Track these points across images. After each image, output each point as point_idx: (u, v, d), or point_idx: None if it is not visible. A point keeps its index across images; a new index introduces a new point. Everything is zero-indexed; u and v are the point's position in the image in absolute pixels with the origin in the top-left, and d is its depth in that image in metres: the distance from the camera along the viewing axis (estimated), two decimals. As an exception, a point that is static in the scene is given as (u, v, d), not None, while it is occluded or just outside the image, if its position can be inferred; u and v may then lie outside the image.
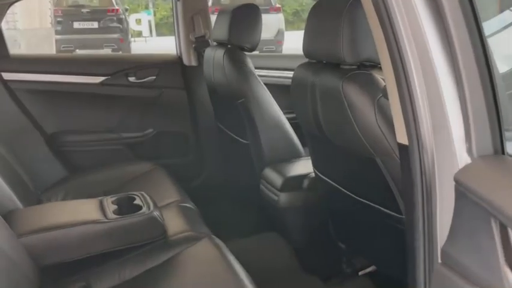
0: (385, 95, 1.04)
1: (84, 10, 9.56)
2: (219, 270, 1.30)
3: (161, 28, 14.14)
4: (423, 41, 0.80)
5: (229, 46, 1.88)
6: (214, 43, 2.13)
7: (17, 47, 7.77)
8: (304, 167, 1.76)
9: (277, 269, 1.72)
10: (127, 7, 12.13)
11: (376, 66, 1.14)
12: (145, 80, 2.26)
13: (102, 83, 2.18)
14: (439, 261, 0.78)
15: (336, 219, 1.60)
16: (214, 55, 1.94)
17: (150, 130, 2.30)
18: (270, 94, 1.84)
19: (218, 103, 2.10)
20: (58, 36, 9.18)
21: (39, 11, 9.21)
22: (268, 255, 1.78)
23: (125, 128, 2.26)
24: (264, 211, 1.87)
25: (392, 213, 1.19)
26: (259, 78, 1.84)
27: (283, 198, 1.68)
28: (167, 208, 1.65)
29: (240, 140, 1.96)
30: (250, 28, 1.85)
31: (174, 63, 2.33)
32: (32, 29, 8.82)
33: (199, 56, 2.27)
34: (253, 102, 1.80)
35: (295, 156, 1.85)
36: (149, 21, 13.49)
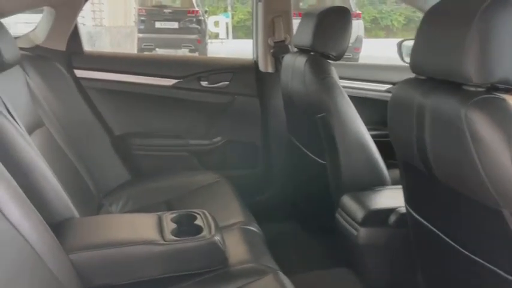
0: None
1: (166, 10, 9.86)
2: None
3: (237, 31, 14.33)
4: None
5: (312, 53, 1.67)
6: (295, 49, 1.93)
7: (102, 43, 8.17)
8: (390, 198, 1.51)
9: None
10: (206, 9, 12.40)
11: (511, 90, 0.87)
12: (218, 85, 2.12)
13: (174, 86, 2.08)
14: None
15: (427, 270, 1.33)
16: (295, 62, 1.75)
17: (219, 138, 2.17)
18: (355, 110, 1.60)
19: (293, 115, 1.90)
20: (140, 35, 9.53)
21: (124, 10, 9.65)
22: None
23: (193, 135, 2.15)
24: (338, 244, 1.64)
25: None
26: (344, 91, 1.61)
27: (363, 233, 1.43)
28: (229, 230, 1.48)
29: (315, 158, 1.74)
30: (338, 34, 1.63)
31: (249, 69, 2.17)
32: (117, 26, 9.26)
33: (277, 62, 2.09)
34: (336, 118, 1.58)
35: (379, 183, 1.60)
36: (227, 24, 13.72)
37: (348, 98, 1.61)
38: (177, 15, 9.75)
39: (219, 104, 2.14)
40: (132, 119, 2.10)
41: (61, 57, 1.95)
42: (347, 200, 1.54)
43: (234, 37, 13.62)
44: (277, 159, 2.17)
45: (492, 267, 0.98)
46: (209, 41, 11.19)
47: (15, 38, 1.72)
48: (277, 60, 2.09)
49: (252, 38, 2.22)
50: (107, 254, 1.18)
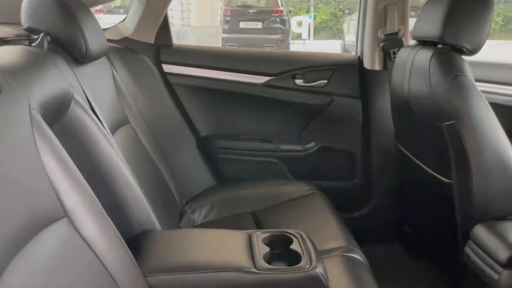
0: None
1: (251, 10, 9.87)
2: None
3: (319, 32, 14.04)
4: None
5: (439, 46, 1.36)
6: (411, 42, 1.63)
7: (188, 42, 8.35)
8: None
9: None
10: (291, 9, 12.24)
11: None
12: (314, 83, 1.88)
13: (265, 84, 1.87)
14: None
15: None
16: (414, 58, 1.45)
17: (312, 144, 1.93)
18: (496, 118, 1.27)
19: (406, 121, 1.59)
20: (224, 35, 9.62)
21: (211, 10, 9.82)
22: None
23: (284, 139, 1.93)
24: (465, 282, 1.31)
25: None
26: (481, 94, 1.28)
27: (508, 278, 1.11)
28: (329, 258, 1.24)
29: (436, 175, 1.43)
30: (475, 23, 1.31)
31: (351, 66, 1.90)
32: (203, 26, 9.43)
33: (386, 59, 1.80)
34: (469, 127, 1.26)
35: (523, 212, 1.25)
36: (309, 25, 13.47)
37: (487, 103, 1.28)
38: (261, 15, 9.70)
39: (315, 106, 1.90)
40: (219, 119, 1.93)
41: (149, 50, 1.83)
42: (482, 232, 1.22)
43: (316, 38, 13.32)
44: (380, 171, 1.88)
45: None
46: (291, 41, 11.03)
47: (104, 29, 1.62)
48: (387, 55, 1.80)
49: (357, 31, 1.94)
50: (190, 279, 0.99)
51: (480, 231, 1.22)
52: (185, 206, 1.67)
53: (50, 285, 0.71)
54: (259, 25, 9.70)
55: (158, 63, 1.84)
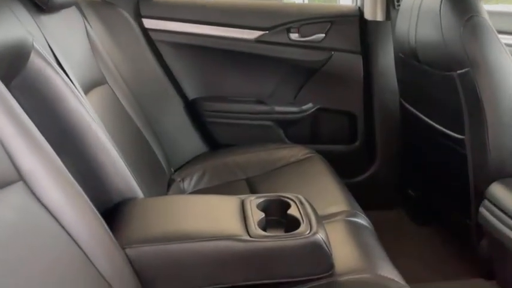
0: None
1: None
2: None
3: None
4: None
5: (451, -14, 1.21)
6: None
7: None
8: None
9: None
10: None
11: None
12: (311, 38, 1.73)
13: (257, 40, 1.72)
14: None
15: None
16: (422, 3, 1.30)
17: (309, 105, 1.79)
18: None
19: (413, 74, 1.46)
20: None
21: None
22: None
23: (279, 100, 1.80)
24: (481, 247, 1.21)
25: None
26: (499, 38, 1.15)
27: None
28: (331, 223, 1.13)
29: (446, 131, 1.31)
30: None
31: (351, 17, 1.75)
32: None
33: (389, 7, 1.66)
34: (485, 75, 1.14)
35: (545, 168, 1.14)
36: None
37: (506, 49, 1.14)
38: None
39: (312, 62, 1.75)
40: (208, 79, 1.79)
41: (128, 2, 1.67)
42: (500, 190, 1.11)
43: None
44: (383, 132, 1.76)
45: None
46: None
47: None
48: (390, 4, 1.66)
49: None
50: (175, 250, 0.88)
51: (497, 189, 1.12)
52: (174, 174, 1.56)
53: (3, 263, 0.60)
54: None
55: (138, 18, 1.68)
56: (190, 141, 1.75)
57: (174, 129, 1.71)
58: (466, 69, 1.15)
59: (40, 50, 0.95)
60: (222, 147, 1.74)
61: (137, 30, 1.67)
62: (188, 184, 1.53)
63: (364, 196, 1.38)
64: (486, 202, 1.14)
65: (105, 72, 1.33)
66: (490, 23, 1.16)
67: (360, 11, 1.75)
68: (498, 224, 1.09)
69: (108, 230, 0.82)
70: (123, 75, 1.46)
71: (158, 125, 1.58)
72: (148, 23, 1.68)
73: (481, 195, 1.17)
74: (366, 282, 0.91)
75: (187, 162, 1.64)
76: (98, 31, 1.48)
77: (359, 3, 1.77)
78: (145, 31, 1.68)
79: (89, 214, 0.79)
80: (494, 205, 1.11)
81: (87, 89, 1.19)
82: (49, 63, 0.97)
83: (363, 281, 0.92)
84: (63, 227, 0.72)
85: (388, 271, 0.96)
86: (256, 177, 1.51)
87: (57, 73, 0.98)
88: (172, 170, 1.58)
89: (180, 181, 1.53)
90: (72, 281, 0.70)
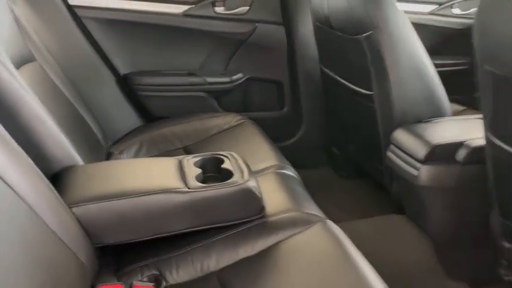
0: None
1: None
2: (340, 269, 0.90)
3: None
4: None
5: (355, -43, 1.35)
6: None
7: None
8: (455, 130, 1.25)
9: (407, 266, 1.27)
10: None
11: None
12: (235, 11, 1.82)
13: (184, 14, 1.78)
14: None
15: (509, 210, 1.09)
16: (331, -27, 1.44)
17: (239, 75, 1.89)
18: (412, 26, 1.31)
19: (329, 41, 1.60)
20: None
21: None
22: (394, 247, 1.33)
23: (209, 72, 1.87)
24: (391, 186, 1.40)
25: None
26: (397, 4, 1.31)
27: (426, 172, 1.19)
28: (263, 176, 1.25)
29: (358, 89, 1.47)
30: None
31: None
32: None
33: (306, -20, 1.78)
34: (386, 36, 1.29)
35: (438, 115, 1.34)
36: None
37: (402, 12, 1.31)
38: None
39: (238, 34, 1.85)
40: (138, 54, 1.82)
41: None
42: (402, 134, 1.29)
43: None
44: (307, 97, 1.90)
45: None
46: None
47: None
48: (306, -23, 1.78)
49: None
50: (118, 205, 0.96)
51: (400, 134, 1.29)
52: (111, 148, 1.59)
53: None
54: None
55: None
56: (126, 115, 1.79)
57: (107, 104, 1.73)
58: (370, 32, 1.30)
59: None
60: (157, 120, 1.79)
61: (62, 7, 1.65)
62: (127, 156, 1.57)
63: (295, 157, 1.52)
64: (392, 146, 1.32)
65: (33, 50, 1.33)
66: None
67: (281, -16, 1.86)
68: (402, 164, 1.27)
69: (55, 191, 0.88)
70: (52, 52, 1.46)
71: (91, 101, 1.60)
72: (73, 0, 1.68)
73: (388, 141, 1.35)
74: (292, 219, 1.05)
75: (125, 136, 1.68)
76: (22, 10, 1.46)
77: (279, -23, 1.88)
78: (70, 8, 1.67)
79: (33, 175, 0.83)
80: (398, 148, 1.29)
81: (17, 66, 1.19)
82: None
83: (290, 218, 1.05)
84: (8, 186, 0.75)
85: (311, 209, 1.10)
86: (193, 145, 1.58)
87: None
88: (110, 144, 1.61)
89: (118, 153, 1.57)
90: (25, 236, 0.74)
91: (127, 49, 1.80)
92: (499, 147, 1.00)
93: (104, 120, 1.61)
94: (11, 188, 0.75)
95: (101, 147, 1.50)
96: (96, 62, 1.73)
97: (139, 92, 1.81)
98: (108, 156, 1.53)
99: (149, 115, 1.84)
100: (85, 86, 1.61)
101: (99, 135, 1.50)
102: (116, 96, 1.78)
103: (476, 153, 1.13)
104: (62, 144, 1.08)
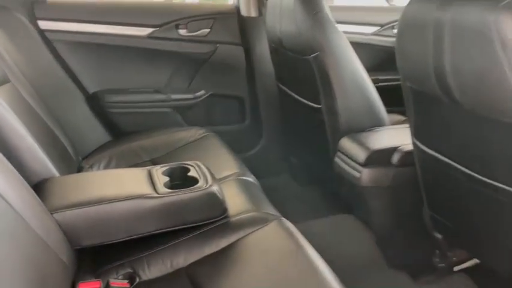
0: None
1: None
2: (293, 261, 1.03)
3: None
4: None
5: (301, -12, 1.53)
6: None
7: None
8: (391, 137, 1.44)
9: (355, 260, 1.43)
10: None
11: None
12: (197, 33, 1.96)
13: (149, 36, 1.91)
14: None
15: (435, 204, 1.28)
16: (282, 1, 1.61)
17: (202, 92, 2.03)
18: (352, 48, 1.50)
19: (283, 60, 1.78)
20: None
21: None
22: (343, 243, 1.49)
23: (174, 89, 2.00)
24: (339, 188, 1.57)
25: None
26: (338, 28, 1.49)
27: (367, 175, 1.36)
28: (225, 182, 1.38)
29: (309, 103, 1.64)
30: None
31: (230, 14, 2.02)
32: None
33: (260, 5, 1.96)
34: (330, 57, 1.47)
35: (378, 124, 1.52)
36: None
37: (344, 35, 1.50)
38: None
39: (201, 54, 2.00)
40: (106, 74, 1.93)
41: (22, 6, 1.74)
42: (346, 142, 1.46)
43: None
44: (266, 111, 2.06)
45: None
46: None
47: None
48: (260, 3, 1.95)
49: (232, -20, 2.06)
50: (94, 211, 1.06)
51: (345, 142, 1.47)
52: (82, 162, 1.68)
53: None
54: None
55: (34, 20, 1.77)
56: (95, 132, 1.88)
57: (78, 121, 1.82)
58: (317, 53, 1.48)
59: None
60: (126, 135, 1.89)
61: (33, 32, 1.75)
62: (97, 170, 1.66)
63: (256, 166, 1.66)
64: (338, 153, 1.49)
65: (7, 72, 1.42)
66: (331, 16, 1.51)
67: (238, 9, 2.02)
68: (347, 168, 1.44)
69: (38, 198, 0.98)
70: (25, 73, 1.55)
71: (62, 118, 1.68)
72: (43, 25, 1.77)
73: (336, 149, 1.52)
74: (251, 218, 1.18)
75: (94, 151, 1.77)
76: None
77: (236, 2, 2.04)
78: (41, 32, 1.77)
79: (19, 184, 0.93)
80: (344, 154, 1.46)
81: None
82: None
83: (249, 217, 1.18)
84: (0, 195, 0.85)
85: (268, 209, 1.24)
86: (160, 158, 1.68)
87: None
88: (80, 159, 1.70)
89: (88, 168, 1.66)
90: (13, 237, 0.83)
91: (95, 69, 1.90)
92: (424, 150, 1.19)
93: (75, 136, 1.70)
94: (1, 196, 0.85)
95: (73, 161, 1.59)
96: (66, 81, 1.83)
97: (108, 109, 1.91)
98: (79, 170, 1.62)
99: (117, 131, 1.93)
100: (56, 105, 1.70)
101: (71, 151, 1.59)
102: (85, 113, 1.87)
103: (409, 157, 1.31)
104: (39, 159, 1.18)
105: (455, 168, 1.07)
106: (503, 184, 0.95)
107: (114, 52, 1.92)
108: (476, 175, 1.01)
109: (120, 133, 1.93)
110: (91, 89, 1.90)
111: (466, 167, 1.04)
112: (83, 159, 1.72)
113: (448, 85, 0.93)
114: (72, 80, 1.85)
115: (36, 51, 1.76)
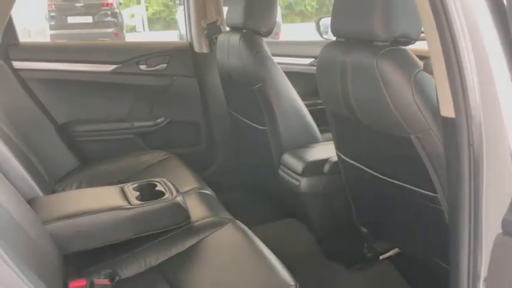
0: (427, 69, 1.02)
1: (78, 4, 9.44)
2: (247, 254, 1.28)
3: (153, 24, 14.00)
4: (471, 8, 0.78)
5: (244, 31, 1.85)
6: (227, 29, 2.10)
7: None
8: (324, 151, 1.74)
9: (299, 255, 1.70)
10: (120, 1, 12.00)
11: (410, 42, 1.12)
12: (156, 68, 2.22)
13: (113, 72, 2.15)
14: (500, 231, 0.76)
15: (359, 204, 1.59)
16: (229, 40, 1.91)
17: (161, 119, 2.27)
18: (287, 79, 1.82)
19: (232, 90, 2.07)
20: (52, 32, 9.07)
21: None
22: (289, 242, 1.76)
23: (137, 117, 2.23)
24: (284, 197, 1.85)
25: (426, 192, 1.18)
26: (276, 63, 1.81)
27: (304, 183, 1.65)
28: (187, 195, 1.62)
29: (256, 126, 1.93)
30: (266, 12, 1.82)
31: (185, 51, 2.29)
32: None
33: (211, 43, 2.24)
34: (271, 87, 1.77)
35: (313, 141, 1.83)
36: (142, 16, 13.34)
37: (280, 69, 1.81)
38: (90, 8, 9.40)
39: (159, 86, 2.24)
40: (75, 106, 2.13)
41: None
42: (287, 157, 1.76)
43: (151, 29, 13.32)
44: (219, 133, 2.31)
45: (409, 186, 1.24)
46: (126, 34, 10.89)
47: None
48: (211, 40, 2.23)
49: (185, 22, 2.34)
50: (80, 222, 1.28)
51: (286, 157, 1.76)
52: (55, 186, 1.86)
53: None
54: (89, 19, 9.40)
55: (8, 61, 1.96)
56: (66, 158, 2.06)
57: (50, 149, 2.01)
58: (260, 84, 1.78)
59: None
60: (94, 160, 2.09)
61: (8, 71, 1.94)
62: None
63: (214, 184, 1.90)
64: (281, 167, 1.78)
65: None
66: (269, 52, 1.82)
67: (191, 46, 2.30)
68: (289, 178, 1.72)
69: (33, 211, 1.18)
70: (2, 108, 1.73)
71: (36, 146, 1.86)
72: (17, 65, 1.97)
73: (279, 163, 1.81)
74: (211, 222, 1.42)
75: (66, 175, 1.96)
76: None
77: (189, 40, 2.33)
78: (15, 71, 1.96)
79: (18, 200, 1.13)
80: (286, 167, 1.75)
81: None
82: None
83: (209, 221, 1.43)
84: (2, 206, 1.04)
85: (224, 214, 1.50)
86: (127, 179, 1.85)
87: None
88: (54, 182, 1.88)
89: (61, 190, 1.84)
90: (12, 239, 1.02)
91: (65, 102, 2.11)
92: (344, 160, 1.50)
93: (48, 163, 1.88)
94: (5, 209, 1.05)
95: (48, 184, 1.77)
96: (38, 114, 2.02)
97: (76, 138, 2.11)
98: (54, 192, 1.80)
99: (86, 156, 2.13)
100: (30, 134, 1.88)
101: (45, 175, 1.78)
102: (56, 142, 2.06)
103: (337, 166, 1.62)
104: (26, 181, 1.38)
105: (368, 172, 1.38)
106: (406, 183, 1.25)
107: (82, 86, 2.13)
108: (384, 177, 1.33)
109: (89, 159, 2.12)
110: (61, 120, 2.10)
111: (375, 171, 1.35)
112: (56, 183, 1.89)
113: (352, 108, 1.25)
114: (43, 113, 2.04)
115: (11, 89, 1.95)
